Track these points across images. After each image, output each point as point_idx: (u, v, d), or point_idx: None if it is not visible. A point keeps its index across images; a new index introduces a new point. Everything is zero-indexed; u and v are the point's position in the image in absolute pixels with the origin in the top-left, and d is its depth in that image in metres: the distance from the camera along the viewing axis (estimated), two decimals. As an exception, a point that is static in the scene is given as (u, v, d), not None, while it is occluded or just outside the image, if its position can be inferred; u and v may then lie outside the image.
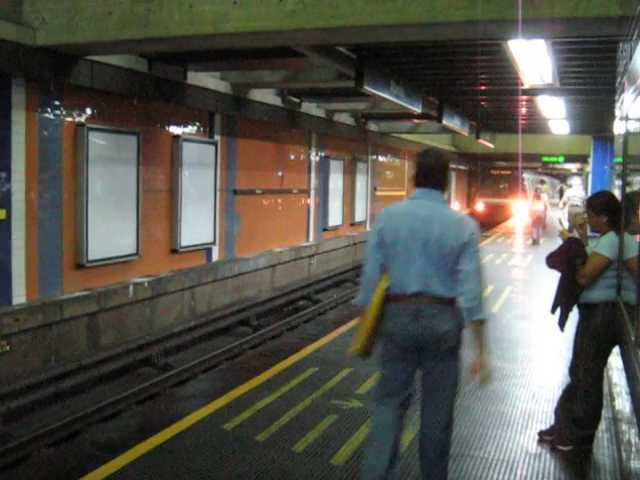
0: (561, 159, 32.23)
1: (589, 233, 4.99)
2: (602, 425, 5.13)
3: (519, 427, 5.38)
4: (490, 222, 28.70)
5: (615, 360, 5.95)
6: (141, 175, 11.14)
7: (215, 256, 13.87)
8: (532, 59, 9.67)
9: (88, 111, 10.19)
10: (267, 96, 14.50)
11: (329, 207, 19.45)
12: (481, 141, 23.25)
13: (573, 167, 43.15)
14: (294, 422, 5.35)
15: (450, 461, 3.86)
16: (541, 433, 5.11)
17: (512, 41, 8.72)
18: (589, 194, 17.62)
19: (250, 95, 13.72)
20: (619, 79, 6.63)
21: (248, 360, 8.90)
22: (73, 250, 10.00)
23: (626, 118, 5.10)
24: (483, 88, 13.97)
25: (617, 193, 6.68)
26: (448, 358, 3.59)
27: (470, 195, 39.99)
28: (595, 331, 4.63)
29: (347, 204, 20.96)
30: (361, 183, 22.09)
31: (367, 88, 10.33)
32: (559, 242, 4.97)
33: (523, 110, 17.54)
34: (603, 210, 4.72)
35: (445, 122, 16.06)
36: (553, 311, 4.90)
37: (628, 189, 5.65)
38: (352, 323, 8.91)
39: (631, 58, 4.36)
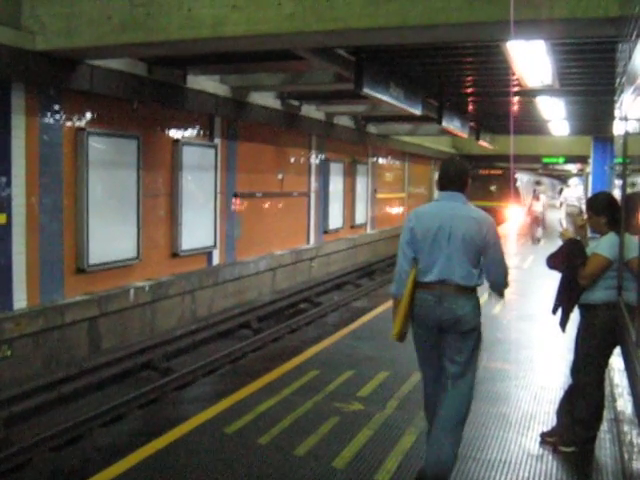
0: (561, 160, 32.11)
1: (589, 234, 4.99)
2: (604, 426, 5.13)
3: (521, 428, 5.38)
4: None
5: (616, 361, 5.95)
6: (141, 179, 11.14)
7: (216, 259, 13.87)
8: (532, 60, 9.66)
9: (88, 115, 10.20)
10: (267, 99, 14.51)
11: (329, 210, 19.46)
12: (481, 142, 23.26)
13: (573, 168, 43.12)
14: (295, 425, 5.34)
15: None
16: (543, 434, 5.10)
17: (511, 42, 8.72)
18: (589, 195, 17.65)
19: (250, 98, 13.72)
20: (618, 80, 6.63)
21: (249, 363, 8.90)
22: (74, 254, 10.00)
23: (625, 118, 5.10)
24: (483, 90, 13.98)
25: (617, 193, 6.69)
26: (465, 337, 4.09)
27: None
28: (596, 332, 4.63)
29: (347, 207, 20.97)
30: (361, 185, 22.11)
31: (366, 90, 10.33)
32: (559, 243, 4.97)
33: (523, 111, 17.54)
34: (602, 211, 4.73)
35: (445, 124, 16.03)
36: (554, 312, 4.90)
37: (630, 190, 5.64)
38: (354, 326, 8.92)
39: (630, 59, 4.36)
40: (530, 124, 20.90)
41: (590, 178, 24.98)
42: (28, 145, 9.05)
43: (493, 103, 16.46)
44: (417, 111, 13.64)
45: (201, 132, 13.24)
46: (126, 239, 10.94)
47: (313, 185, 18.57)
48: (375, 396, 6.08)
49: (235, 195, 14.51)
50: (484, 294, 4.40)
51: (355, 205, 21.62)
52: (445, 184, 4.26)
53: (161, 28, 7.22)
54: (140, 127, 11.33)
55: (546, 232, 21.22)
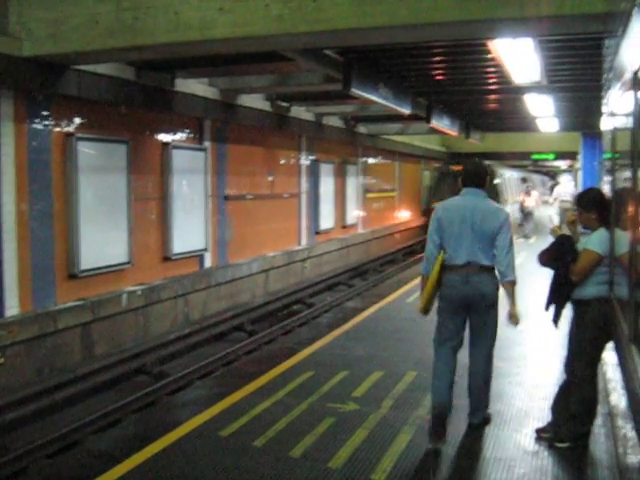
0: (551, 156, 32.19)
1: (580, 230, 5.02)
2: (598, 421, 5.15)
3: (516, 425, 5.39)
4: None
5: (609, 356, 5.97)
6: (131, 183, 11.11)
7: (208, 262, 13.85)
8: (520, 58, 9.70)
9: (77, 121, 10.17)
10: (256, 101, 14.50)
11: (320, 210, 19.44)
12: (471, 140, 23.32)
13: (563, 164, 43.23)
14: (291, 427, 5.34)
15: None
16: (538, 430, 5.12)
17: (499, 40, 8.75)
18: (579, 190, 17.70)
19: (239, 101, 13.71)
20: (605, 75, 6.65)
21: (243, 366, 8.85)
22: (65, 260, 9.96)
23: (613, 114, 5.12)
24: (471, 87, 14.01)
25: (607, 189, 6.71)
26: (488, 311, 5.00)
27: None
28: (589, 327, 4.65)
29: (338, 207, 20.96)
30: (352, 186, 22.10)
31: (355, 91, 10.33)
32: (550, 239, 4.99)
33: (512, 108, 17.59)
34: (592, 206, 4.75)
35: (434, 122, 16.06)
36: (547, 308, 4.93)
37: (621, 184, 5.65)
38: (347, 326, 8.92)
39: (616, 54, 4.38)
40: (519, 121, 20.97)
41: (580, 174, 25.08)
42: (17, 151, 9.00)
43: (482, 101, 16.51)
44: (406, 110, 13.66)
45: (191, 135, 13.21)
46: (117, 244, 10.90)
47: (304, 186, 18.56)
48: (370, 396, 6.08)
49: (226, 198, 14.49)
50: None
51: (346, 205, 21.59)
52: (467, 182, 5.10)
53: (148, 32, 7.20)
54: (129, 131, 11.29)
55: (536, 228, 21.28)
